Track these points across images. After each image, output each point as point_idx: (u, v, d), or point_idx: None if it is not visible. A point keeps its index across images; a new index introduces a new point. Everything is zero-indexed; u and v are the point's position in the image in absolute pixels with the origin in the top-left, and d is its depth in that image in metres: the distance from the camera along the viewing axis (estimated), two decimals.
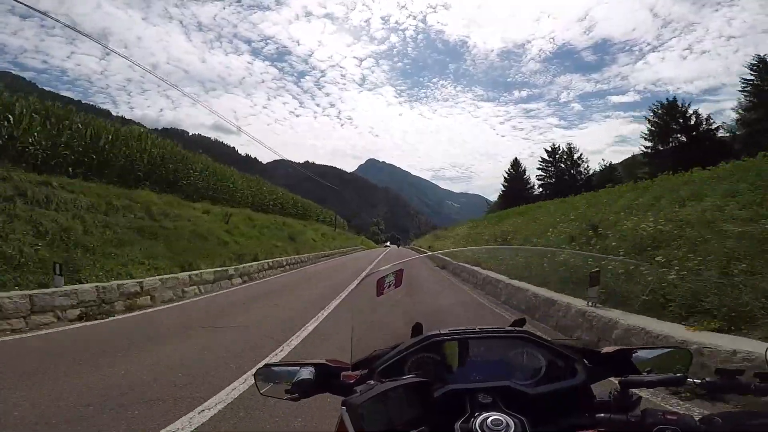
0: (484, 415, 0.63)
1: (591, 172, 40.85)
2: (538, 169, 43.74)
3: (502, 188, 47.25)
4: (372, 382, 0.69)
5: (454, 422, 0.65)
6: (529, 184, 46.36)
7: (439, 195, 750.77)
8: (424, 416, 0.63)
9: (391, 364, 0.83)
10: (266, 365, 0.85)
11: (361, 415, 0.56)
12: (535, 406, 0.71)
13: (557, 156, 42.71)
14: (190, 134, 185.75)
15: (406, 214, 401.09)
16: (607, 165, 41.08)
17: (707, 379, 0.72)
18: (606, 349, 0.89)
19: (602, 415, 0.68)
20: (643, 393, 0.75)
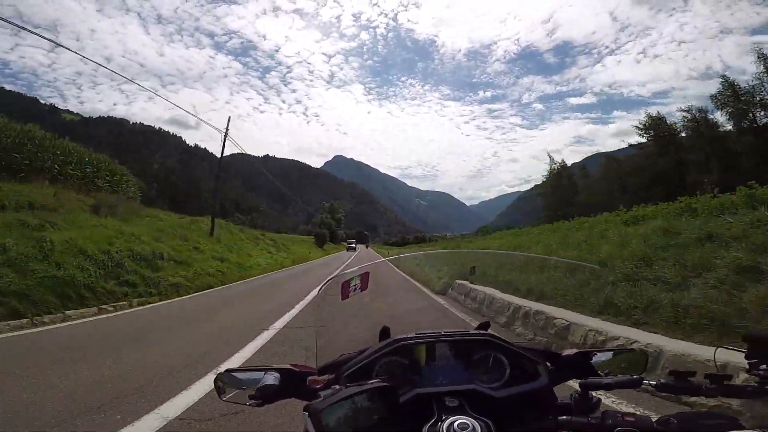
0: (451, 419, 0.66)
1: None
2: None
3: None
4: (337, 386, 0.71)
5: (421, 426, 0.68)
6: None
7: (407, 193, 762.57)
8: (389, 421, 0.65)
9: (358, 369, 0.85)
10: (227, 370, 0.85)
11: (324, 421, 0.58)
12: (500, 409, 0.75)
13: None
14: (131, 123, 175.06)
15: (374, 211, 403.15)
16: None
17: (662, 380, 0.79)
18: (566, 352, 0.95)
19: (564, 417, 0.74)
20: (602, 394, 0.83)
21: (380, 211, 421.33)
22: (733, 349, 0.88)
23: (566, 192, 42.41)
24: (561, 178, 44.65)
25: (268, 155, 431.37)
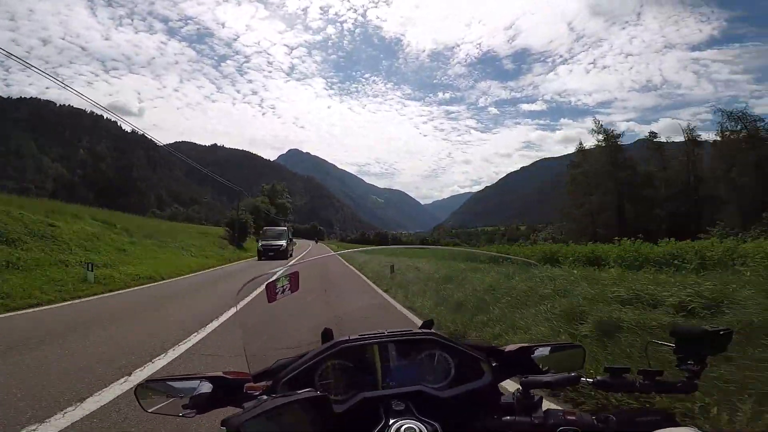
0: (399, 423, 0.67)
1: None
2: None
3: None
4: (264, 397, 0.71)
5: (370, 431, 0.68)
6: None
7: (364, 189, 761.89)
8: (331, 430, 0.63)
9: (298, 374, 0.82)
10: (150, 380, 0.81)
11: None
12: (446, 410, 0.77)
13: None
14: (58, 105, 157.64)
15: (330, 206, 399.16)
16: None
17: (598, 377, 0.83)
18: (509, 348, 0.96)
19: (508, 418, 0.75)
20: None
21: (336, 207, 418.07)
22: (662, 344, 0.88)
23: (628, 181, 30.05)
24: (614, 156, 31.39)
25: (216, 144, 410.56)
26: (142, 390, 0.79)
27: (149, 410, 0.78)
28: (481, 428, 0.76)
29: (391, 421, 0.68)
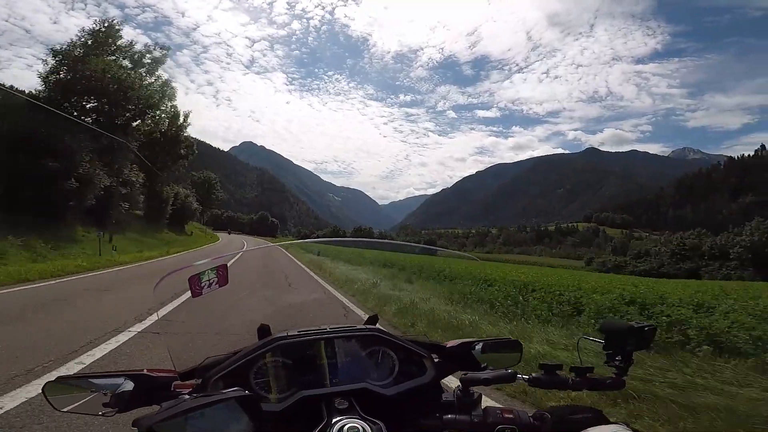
0: (342, 423, 0.64)
1: None
2: None
3: None
4: (186, 396, 0.65)
5: (310, 431, 0.65)
6: None
7: (321, 187, 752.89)
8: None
9: (230, 372, 0.78)
10: (65, 376, 0.74)
11: None
12: (391, 407, 0.76)
13: None
14: None
15: (284, 200, 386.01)
16: None
17: (533, 374, 0.84)
18: (450, 344, 0.94)
19: (449, 416, 0.75)
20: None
21: (291, 202, 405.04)
22: (593, 340, 0.87)
23: None
24: None
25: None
26: (53, 387, 0.71)
27: (63, 409, 0.71)
28: (423, 427, 0.76)
29: (334, 420, 0.65)
